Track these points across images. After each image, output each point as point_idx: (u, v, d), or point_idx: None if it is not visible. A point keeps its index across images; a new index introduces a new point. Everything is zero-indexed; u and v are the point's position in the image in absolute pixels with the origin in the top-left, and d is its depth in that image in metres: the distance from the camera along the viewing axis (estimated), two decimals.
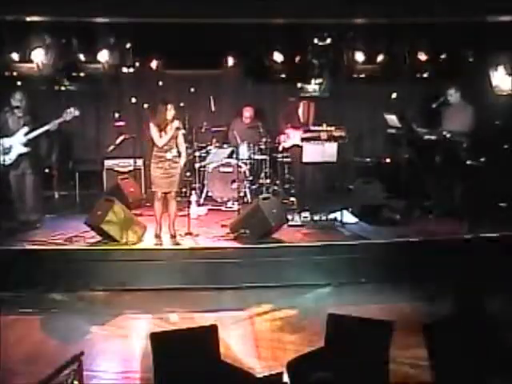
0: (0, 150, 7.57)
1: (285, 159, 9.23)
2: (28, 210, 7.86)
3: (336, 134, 8.15)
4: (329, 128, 8.26)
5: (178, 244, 7.19)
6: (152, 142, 7.23)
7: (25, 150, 7.71)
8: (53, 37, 8.52)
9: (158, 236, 7.33)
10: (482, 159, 8.38)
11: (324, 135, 8.19)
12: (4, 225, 7.57)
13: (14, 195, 7.81)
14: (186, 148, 8.86)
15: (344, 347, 3.85)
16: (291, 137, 8.83)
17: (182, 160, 7.34)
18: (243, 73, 9.99)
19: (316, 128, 8.42)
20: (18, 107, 7.72)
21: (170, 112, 7.11)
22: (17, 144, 7.68)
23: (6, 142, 7.62)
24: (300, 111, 8.88)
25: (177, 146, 7.24)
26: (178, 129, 7.14)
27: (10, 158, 7.66)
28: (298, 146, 8.57)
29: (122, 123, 9.52)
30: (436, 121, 8.54)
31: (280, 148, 9.11)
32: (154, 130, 7.11)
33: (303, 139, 8.50)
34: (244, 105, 9.74)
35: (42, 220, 8.01)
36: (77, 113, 7.78)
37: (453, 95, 8.41)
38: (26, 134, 7.69)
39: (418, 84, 9.39)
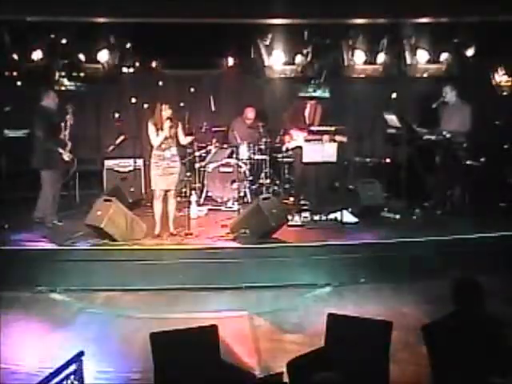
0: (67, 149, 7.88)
1: (285, 159, 9.23)
2: (57, 207, 8.04)
3: (337, 139, 8.13)
4: (329, 128, 8.25)
5: (177, 243, 7.20)
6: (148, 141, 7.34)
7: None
8: (52, 37, 8.51)
9: (157, 235, 7.36)
10: (482, 159, 8.40)
11: (326, 138, 8.16)
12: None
13: (52, 193, 7.89)
14: (186, 148, 8.92)
15: (344, 347, 3.85)
16: (295, 138, 8.81)
17: (184, 139, 7.41)
18: (243, 73, 9.99)
19: (317, 128, 8.41)
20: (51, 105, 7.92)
21: (166, 112, 7.20)
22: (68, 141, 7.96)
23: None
24: (306, 112, 8.85)
25: (177, 144, 7.34)
26: (171, 127, 7.21)
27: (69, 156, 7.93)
28: (301, 147, 8.55)
29: (122, 123, 9.52)
30: (436, 121, 8.54)
31: (284, 148, 9.10)
32: (151, 130, 7.24)
33: (306, 140, 8.48)
34: (246, 105, 9.75)
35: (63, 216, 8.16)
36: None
37: (452, 95, 8.42)
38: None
39: (418, 84, 9.39)
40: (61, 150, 7.83)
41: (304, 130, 8.71)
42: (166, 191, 7.35)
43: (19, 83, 8.89)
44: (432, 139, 8.37)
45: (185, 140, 7.46)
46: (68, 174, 8.23)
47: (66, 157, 7.88)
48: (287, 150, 9.03)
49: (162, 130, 7.20)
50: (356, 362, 3.73)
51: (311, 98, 9.07)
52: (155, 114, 7.27)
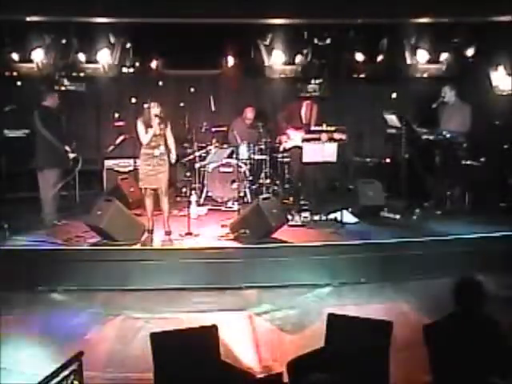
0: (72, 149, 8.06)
1: (285, 159, 9.24)
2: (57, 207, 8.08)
3: (336, 136, 8.13)
4: (329, 128, 8.25)
5: (173, 241, 7.21)
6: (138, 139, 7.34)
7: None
8: (52, 37, 8.52)
9: (149, 231, 7.37)
10: (482, 159, 8.39)
11: (325, 137, 8.17)
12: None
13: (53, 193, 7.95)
14: (186, 148, 8.93)
15: (344, 347, 3.85)
16: (292, 137, 8.82)
17: (173, 157, 7.38)
18: (243, 73, 10.00)
19: (317, 128, 8.41)
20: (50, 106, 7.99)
21: (154, 110, 7.18)
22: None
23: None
24: (302, 112, 8.86)
25: (165, 143, 7.29)
26: (160, 124, 7.17)
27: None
28: (298, 147, 8.55)
29: (122, 123, 9.52)
30: (436, 121, 8.54)
31: (281, 148, 9.12)
32: (140, 128, 7.24)
33: (304, 140, 8.49)
34: (246, 105, 9.75)
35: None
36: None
37: (452, 95, 8.42)
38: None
39: (417, 84, 9.38)
40: (67, 148, 7.91)
41: (301, 130, 8.71)
42: (156, 189, 7.31)
43: (19, 83, 8.88)
44: (432, 139, 8.37)
45: (172, 143, 7.36)
46: (73, 172, 8.26)
47: (72, 155, 7.96)
48: (284, 149, 9.04)
49: (150, 127, 7.18)
50: (356, 362, 3.73)
51: (309, 98, 9.07)
52: (144, 112, 7.28)
